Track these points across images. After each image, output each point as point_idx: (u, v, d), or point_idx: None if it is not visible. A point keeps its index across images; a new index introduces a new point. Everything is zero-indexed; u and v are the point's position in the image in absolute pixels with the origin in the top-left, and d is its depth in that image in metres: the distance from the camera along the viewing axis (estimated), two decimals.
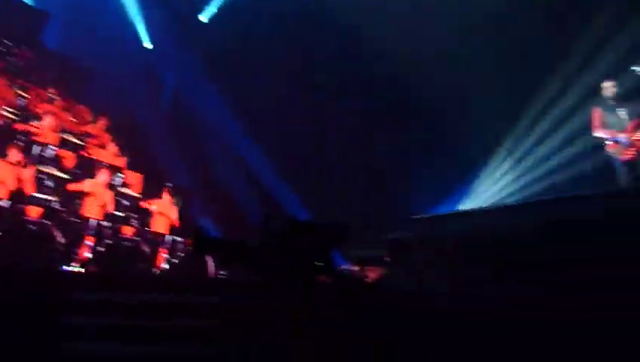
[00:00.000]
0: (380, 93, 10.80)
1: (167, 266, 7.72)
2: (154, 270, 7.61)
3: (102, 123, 9.89)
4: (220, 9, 11.24)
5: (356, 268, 7.72)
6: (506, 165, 9.83)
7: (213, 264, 7.19)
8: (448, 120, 9.93)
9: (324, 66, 10.85)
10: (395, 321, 5.16)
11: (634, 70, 6.02)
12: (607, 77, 6.78)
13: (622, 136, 6.28)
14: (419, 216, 5.39)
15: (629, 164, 6.27)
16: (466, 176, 10.25)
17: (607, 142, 6.48)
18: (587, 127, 6.80)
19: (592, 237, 4.06)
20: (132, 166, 9.14)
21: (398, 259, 6.97)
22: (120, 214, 7.85)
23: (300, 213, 9.88)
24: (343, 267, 8.27)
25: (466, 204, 10.04)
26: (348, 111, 11.18)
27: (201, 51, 10.93)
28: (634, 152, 6.22)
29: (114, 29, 11.75)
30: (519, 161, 9.61)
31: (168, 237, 7.94)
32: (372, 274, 7.62)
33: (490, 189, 10.08)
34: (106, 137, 9.75)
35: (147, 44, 12.39)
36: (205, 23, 11.35)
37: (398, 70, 10.07)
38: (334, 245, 2.39)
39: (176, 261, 7.77)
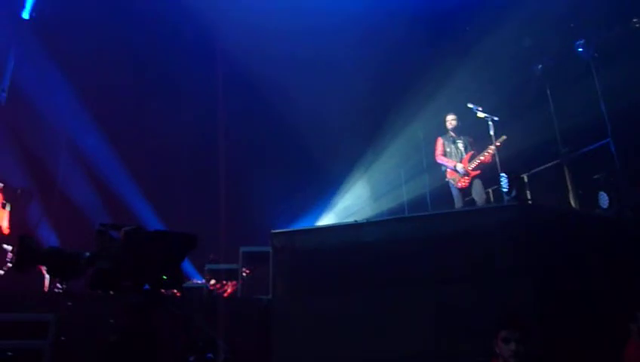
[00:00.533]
0: (242, 102, 10.86)
1: None
2: None
3: None
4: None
5: (212, 282, 7.55)
6: (362, 184, 10.46)
7: (48, 276, 6.46)
8: (309, 138, 10.30)
9: (179, 66, 10.53)
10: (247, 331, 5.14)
11: (470, 106, 6.82)
12: (449, 111, 7.60)
13: (459, 166, 7.08)
14: (277, 231, 5.45)
15: (463, 190, 7.09)
16: (325, 193, 10.67)
17: (447, 170, 7.26)
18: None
19: (431, 254, 4.49)
20: None
21: (254, 272, 6.98)
22: None
23: (151, 222, 9.38)
24: (196, 281, 8.03)
25: (324, 220, 10.44)
26: (209, 118, 10.96)
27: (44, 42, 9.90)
28: (468, 181, 7.04)
29: None
30: (373, 180, 10.31)
31: None
32: (228, 288, 7.52)
33: (347, 206, 10.60)
34: None
35: None
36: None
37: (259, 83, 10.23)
38: (181, 255, 2.28)
39: (2, 273, 6.83)
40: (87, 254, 2.35)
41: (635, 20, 8.58)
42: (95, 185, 9.90)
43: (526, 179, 7.48)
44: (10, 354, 4.37)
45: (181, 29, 10.46)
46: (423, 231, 4.67)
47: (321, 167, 10.50)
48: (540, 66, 8.06)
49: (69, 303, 5.08)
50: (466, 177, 7.04)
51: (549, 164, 7.73)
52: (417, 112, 9.31)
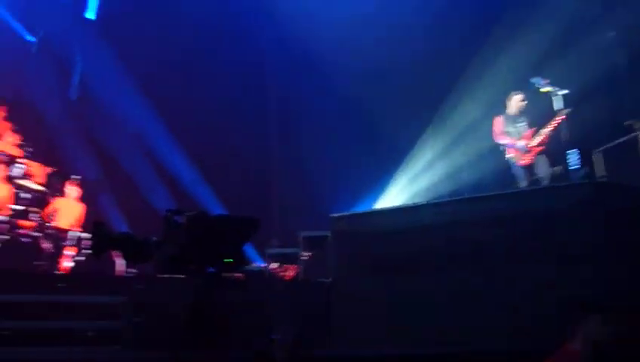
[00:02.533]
0: (299, 88, 10.90)
1: (71, 264, 7.24)
2: (57, 268, 7.12)
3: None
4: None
5: (274, 266, 7.72)
6: (419, 166, 10.26)
7: (122, 262, 6.84)
8: (368, 118, 10.22)
9: (238, 56, 10.71)
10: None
11: (532, 82, 6.48)
12: (511, 89, 7.27)
13: (520, 144, 6.78)
14: (337, 215, 5.46)
15: (526, 168, 6.79)
16: (383, 175, 10.57)
17: (507, 148, 6.98)
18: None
19: (499, 235, 4.34)
20: (35, 157, 8.46)
21: (314, 256, 7.06)
22: (18, 208, 7.23)
23: (213, 207, 9.68)
24: (259, 265, 8.24)
25: (383, 203, 10.36)
26: (266, 104, 11.12)
27: (109, 40, 10.39)
28: (530, 158, 6.74)
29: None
30: (430, 163, 10.08)
31: (73, 234, 7.44)
32: (289, 271, 7.67)
33: (405, 189, 10.46)
34: (5, 126, 8.95)
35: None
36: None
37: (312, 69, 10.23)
38: (244, 240, 2.34)
39: (82, 258, 7.31)
40: (155, 239, 2.47)
41: None
42: (161, 175, 10.33)
43: (596, 157, 7.06)
44: (90, 334, 4.68)
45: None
46: (484, 213, 4.52)
47: (381, 148, 10.38)
48: (613, 33, 7.50)
49: (140, 286, 5.37)
50: (528, 154, 6.74)
51: (622, 139, 7.23)
52: (476, 89, 8.99)
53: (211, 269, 2.43)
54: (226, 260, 2.42)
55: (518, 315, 3.96)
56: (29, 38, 10.38)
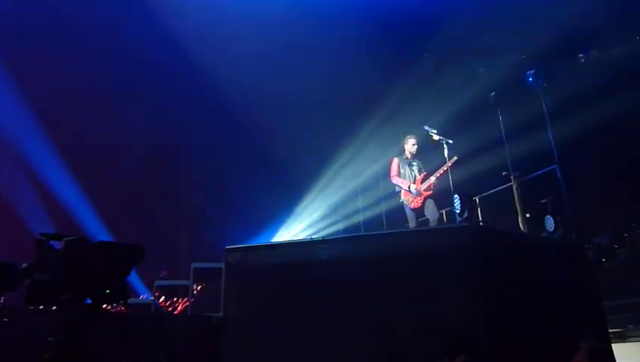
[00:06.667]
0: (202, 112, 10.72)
1: None
2: None
3: None
4: None
5: (161, 299, 7.32)
6: (318, 203, 10.47)
7: None
8: (268, 152, 10.28)
9: (136, 67, 10.27)
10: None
11: (426, 129, 6.97)
12: (408, 133, 7.76)
13: (413, 187, 7.21)
14: (232, 246, 5.33)
15: (416, 210, 7.21)
16: (282, 210, 10.62)
17: (402, 191, 7.36)
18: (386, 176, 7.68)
19: (389, 271, 4.50)
20: None
21: (205, 289, 6.81)
22: None
23: (99, 235, 9.04)
24: (145, 297, 7.76)
25: (279, 237, 10.36)
26: (163, 123, 10.68)
27: None
28: (421, 201, 7.17)
29: None
30: (330, 198, 10.34)
31: None
32: (178, 304, 7.31)
33: (304, 223, 10.58)
34: None
35: None
36: None
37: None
38: (127, 268, 2.18)
39: None
40: (25, 265, 2.22)
41: (580, 55, 9.17)
42: (40, 193, 9.46)
43: (478, 201, 7.69)
44: None
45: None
46: (376, 250, 4.69)
47: (279, 182, 10.45)
48: (493, 93, 8.38)
49: (5, 319, 4.78)
50: (419, 197, 7.16)
51: (500, 188, 7.99)
52: (374, 133, 9.46)
53: (88, 301, 2.23)
54: (106, 290, 2.23)
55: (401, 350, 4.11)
56: None
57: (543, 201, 6.98)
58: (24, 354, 4.03)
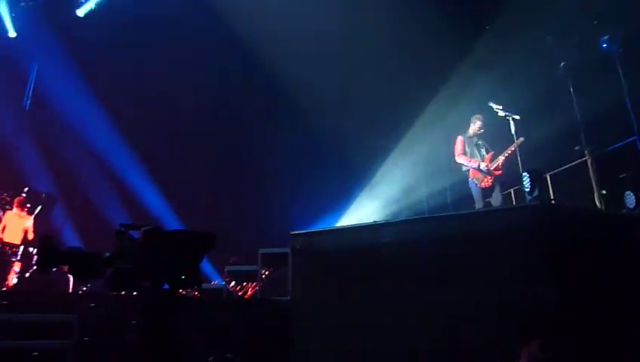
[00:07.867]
0: (263, 102, 10.89)
1: (15, 281, 6.89)
2: (3, 285, 6.76)
3: None
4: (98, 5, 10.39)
5: (232, 284, 7.58)
6: (385, 184, 10.39)
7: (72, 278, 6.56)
8: (331, 138, 10.29)
9: (202, 69, 10.60)
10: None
11: (491, 106, 6.71)
12: (474, 111, 7.50)
13: (483, 165, 6.98)
14: (297, 232, 5.42)
15: (485, 190, 6.98)
16: (345, 195, 10.64)
17: (469, 170, 7.15)
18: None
19: (455, 255, 4.41)
20: None
21: (274, 274, 6.98)
22: None
23: (171, 223, 9.48)
24: (216, 282, 8.08)
25: (344, 221, 10.41)
26: (229, 117, 10.98)
27: (69, 45, 10.04)
28: (491, 180, 6.94)
29: None
30: (395, 180, 10.23)
31: (23, 249, 7.09)
32: (248, 289, 7.54)
33: (367, 208, 10.55)
34: None
35: (11, 33, 11.07)
36: (80, 17, 10.41)
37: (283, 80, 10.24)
38: (200, 255, 2.27)
39: (29, 275, 6.97)
40: (107, 254, 2.37)
41: None
42: (116, 187, 10.05)
43: (549, 179, 7.33)
44: (35, 353, 4.45)
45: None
46: (441, 232, 4.59)
47: (343, 167, 10.46)
48: (563, 64, 7.88)
49: (92, 304, 5.15)
50: (489, 177, 6.94)
51: (573, 163, 7.56)
52: (438, 111, 9.22)
53: (166, 286, 2.35)
54: (181, 276, 2.34)
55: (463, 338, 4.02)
56: None
57: (621, 176, 6.55)
58: (109, 336, 4.34)
